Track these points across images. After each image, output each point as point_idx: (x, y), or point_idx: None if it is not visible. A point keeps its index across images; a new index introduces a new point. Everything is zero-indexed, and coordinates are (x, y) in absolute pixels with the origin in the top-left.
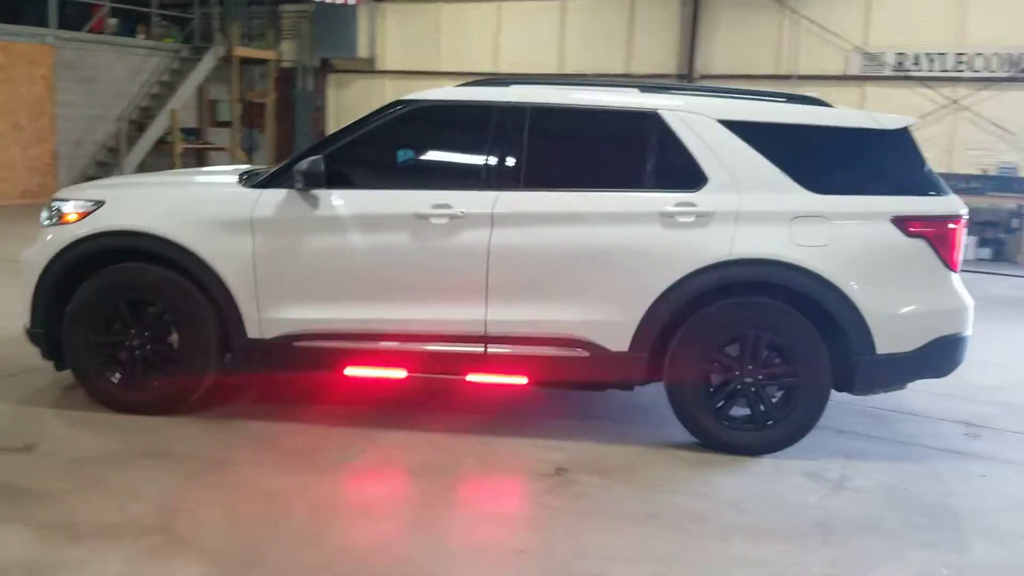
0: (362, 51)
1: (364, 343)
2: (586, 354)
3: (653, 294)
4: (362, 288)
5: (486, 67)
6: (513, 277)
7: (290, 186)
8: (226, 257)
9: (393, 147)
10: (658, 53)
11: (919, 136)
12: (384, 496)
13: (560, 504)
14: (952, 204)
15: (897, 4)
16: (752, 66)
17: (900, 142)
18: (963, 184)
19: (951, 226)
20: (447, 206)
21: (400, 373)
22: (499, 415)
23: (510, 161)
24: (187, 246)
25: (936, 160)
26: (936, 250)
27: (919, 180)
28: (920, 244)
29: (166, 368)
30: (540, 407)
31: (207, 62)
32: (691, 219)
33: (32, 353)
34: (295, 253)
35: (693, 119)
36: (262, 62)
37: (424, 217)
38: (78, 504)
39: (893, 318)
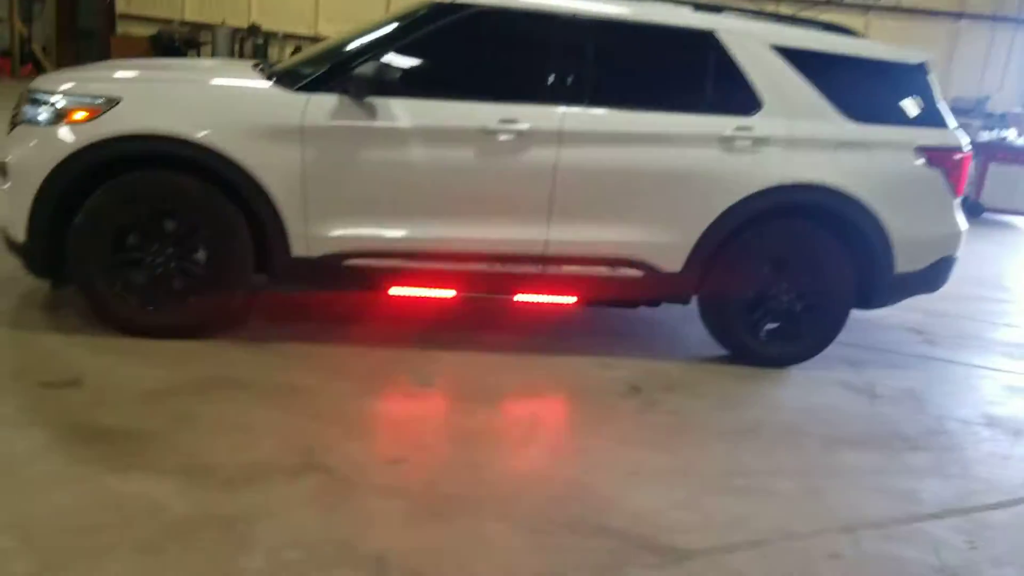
0: None
1: (418, 262)
2: (640, 274)
3: (710, 217)
4: (421, 204)
5: None
6: (576, 196)
7: (342, 91)
8: (272, 168)
9: (451, 54)
10: None
11: None
12: (496, 420)
13: (661, 421)
14: (961, 137)
15: None
16: None
17: (921, 76)
18: None
19: (959, 157)
20: (513, 120)
21: (449, 293)
22: (541, 334)
23: (574, 76)
24: (229, 154)
25: None
26: (948, 179)
27: (934, 113)
28: (936, 173)
29: (192, 288)
30: (572, 324)
31: None
32: (748, 143)
33: None
34: (349, 166)
35: (748, 42)
36: None
37: (491, 132)
38: (193, 445)
39: (912, 241)
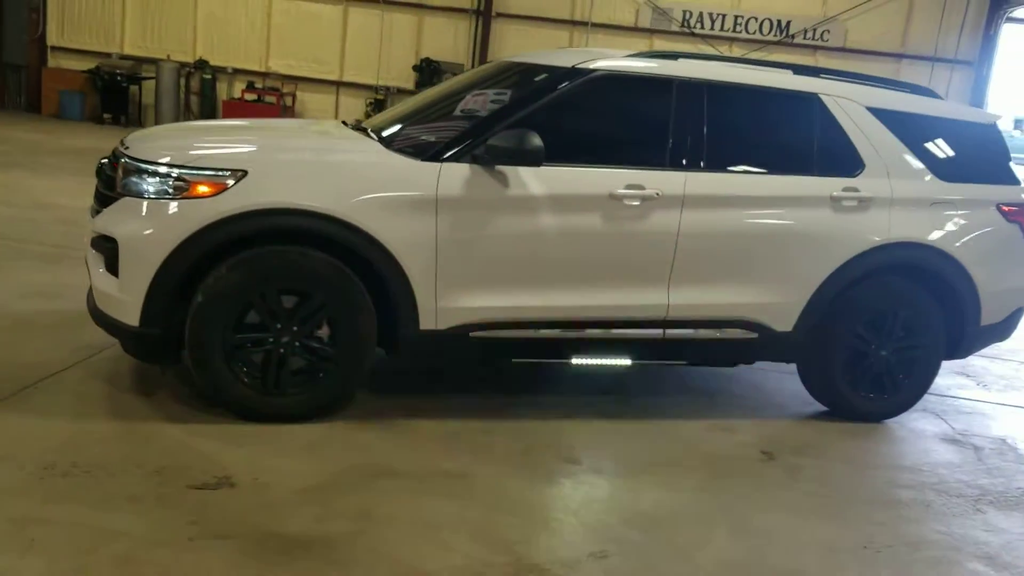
0: None
1: (544, 331)
2: (755, 335)
3: (821, 276)
4: (549, 272)
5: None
6: (697, 260)
7: (473, 160)
8: (406, 240)
9: (574, 119)
10: None
11: None
12: (664, 499)
13: (814, 490)
14: None
15: None
16: (548, 9)
17: (995, 135)
18: None
19: None
20: (640, 187)
21: (573, 360)
22: (642, 396)
23: (693, 140)
24: (364, 227)
25: None
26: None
27: (1008, 170)
28: (1015, 228)
29: (316, 368)
30: (663, 383)
31: None
32: (854, 203)
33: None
34: (480, 235)
35: (848, 104)
36: None
37: (618, 198)
38: (393, 550)
39: (996, 294)
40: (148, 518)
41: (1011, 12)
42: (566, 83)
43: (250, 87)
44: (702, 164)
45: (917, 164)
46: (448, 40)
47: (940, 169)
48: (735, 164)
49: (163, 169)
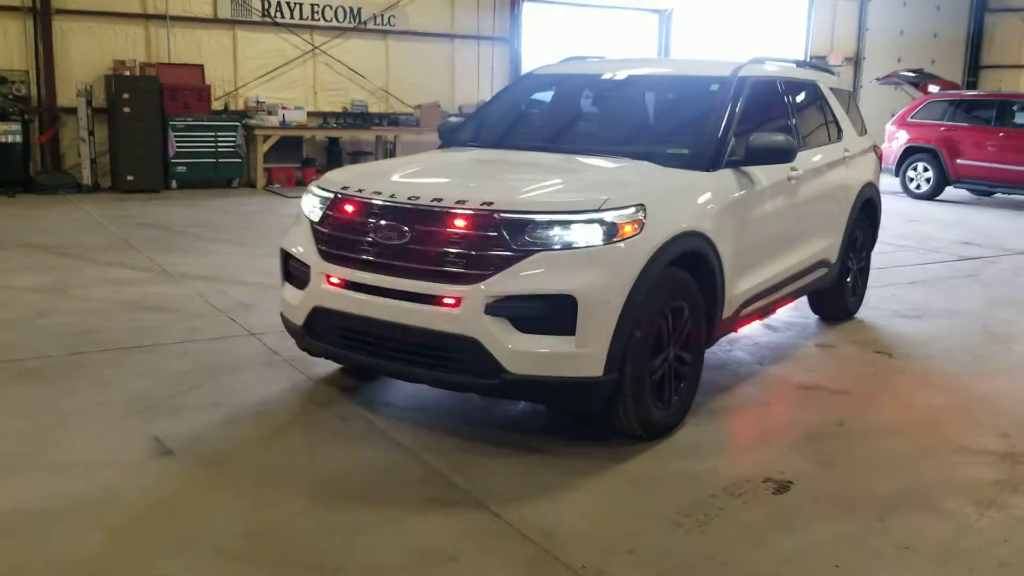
0: None
1: (766, 298)
2: (825, 270)
3: (847, 214)
4: (773, 245)
5: None
6: (813, 217)
7: (728, 165)
8: (724, 243)
9: (758, 122)
10: None
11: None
12: None
13: None
14: None
15: None
16: (116, 3)
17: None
18: (332, 121)
19: None
20: (795, 168)
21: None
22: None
23: (801, 125)
24: (712, 239)
25: (303, 100)
26: None
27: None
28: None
29: (681, 377)
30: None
31: None
32: (849, 160)
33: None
34: (748, 227)
35: (826, 88)
36: None
37: (789, 179)
38: None
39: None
40: None
41: None
42: (748, 86)
43: None
44: (803, 146)
45: (850, 126)
46: None
47: (858, 127)
48: (809, 143)
49: (590, 217)
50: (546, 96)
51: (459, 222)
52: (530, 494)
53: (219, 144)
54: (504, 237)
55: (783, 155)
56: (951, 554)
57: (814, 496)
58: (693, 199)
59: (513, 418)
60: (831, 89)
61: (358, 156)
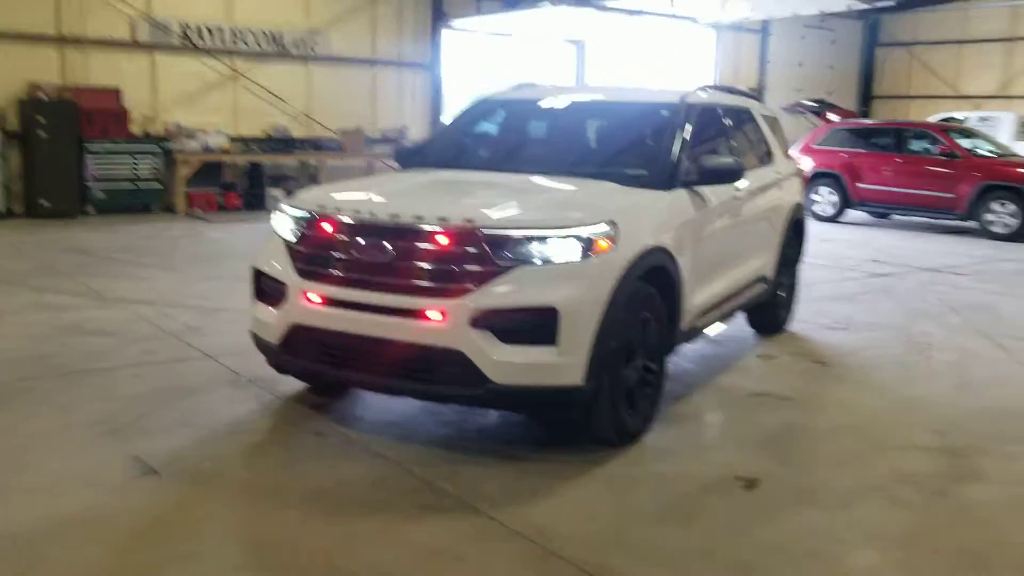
0: None
1: (716, 310)
2: (764, 286)
3: (780, 234)
4: (724, 261)
5: None
6: (752, 236)
7: (685, 185)
8: (684, 258)
9: (705, 145)
10: None
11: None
12: None
13: None
14: None
15: None
16: (25, 25)
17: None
18: (254, 146)
19: None
20: (738, 189)
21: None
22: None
23: (744, 147)
24: (674, 254)
25: (225, 124)
26: None
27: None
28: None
29: (645, 383)
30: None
31: None
32: (781, 182)
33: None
34: (703, 243)
35: (758, 114)
36: None
37: (735, 198)
38: None
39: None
40: None
41: (448, 23)
42: (694, 112)
43: None
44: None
45: (778, 150)
46: None
47: (784, 151)
48: (749, 164)
49: (573, 235)
50: (502, 120)
51: (442, 239)
52: (519, 497)
53: (138, 169)
54: (487, 252)
55: (732, 175)
56: (914, 539)
57: (782, 491)
58: (656, 216)
59: (488, 428)
60: (762, 115)
61: (280, 181)
